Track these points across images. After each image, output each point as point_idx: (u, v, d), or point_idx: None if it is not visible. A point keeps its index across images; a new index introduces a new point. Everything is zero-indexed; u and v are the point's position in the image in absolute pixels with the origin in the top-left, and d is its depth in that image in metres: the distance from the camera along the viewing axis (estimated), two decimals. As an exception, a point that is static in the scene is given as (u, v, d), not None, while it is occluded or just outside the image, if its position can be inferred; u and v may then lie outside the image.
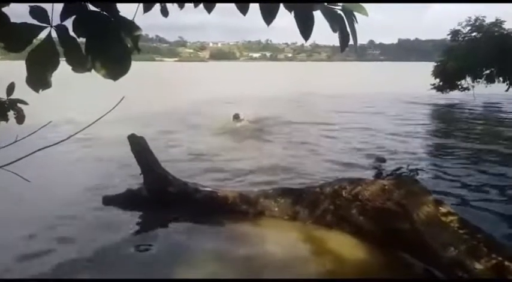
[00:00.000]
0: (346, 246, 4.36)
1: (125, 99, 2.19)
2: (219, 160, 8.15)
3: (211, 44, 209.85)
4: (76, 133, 1.94)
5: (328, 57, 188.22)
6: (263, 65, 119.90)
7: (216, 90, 25.07)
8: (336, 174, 6.63)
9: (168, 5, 2.25)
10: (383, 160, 7.65)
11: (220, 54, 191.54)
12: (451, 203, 4.88)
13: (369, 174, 5.66)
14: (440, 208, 4.01)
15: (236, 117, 12.89)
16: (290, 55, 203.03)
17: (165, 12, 2.29)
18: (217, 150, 9.01)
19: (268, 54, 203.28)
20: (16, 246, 4.41)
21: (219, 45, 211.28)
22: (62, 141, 1.89)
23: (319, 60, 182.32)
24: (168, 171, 5.58)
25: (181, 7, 2.11)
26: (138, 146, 5.39)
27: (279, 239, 4.59)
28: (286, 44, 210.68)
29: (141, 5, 2.12)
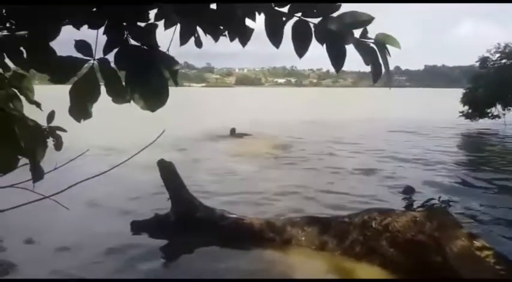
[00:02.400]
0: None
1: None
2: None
3: (237, 70, 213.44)
4: (122, 162, 1.98)
5: (353, 83, 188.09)
6: (287, 91, 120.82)
7: (236, 115, 25.40)
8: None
9: (202, 36, 2.30)
10: (412, 190, 7.44)
11: (246, 80, 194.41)
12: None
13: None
14: (475, 242, 3.87)
15: (233, 132, 15.38)
16: (315, 81, 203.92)
17: (199, 44, 2.35)
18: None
19: (293, 80, 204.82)
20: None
21: (245, 71, 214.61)
22: (108, 170, 1.94)
23: (344, 86, 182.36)
24: (195, 197, 5.62)
25: (216, 40, 2.16)
26: (167, 172, 5.46)
27: (307, 270, 4.50)
28: (312, 70, 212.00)
29: (178, 36, 2.20)
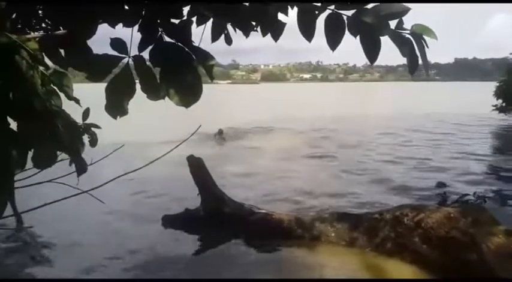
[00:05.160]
0: (407, 276, 4.15)
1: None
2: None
3: (262, 66, 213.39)
4: (159, 158, 2.01)
5: (381, 77, 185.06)
6: (312, 86, 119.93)
7: (257, 112, 25.37)
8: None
9: (231, 32, 2.31)
10: (444, 185, 7.24)
11: (272, 76, 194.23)
12: None
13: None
14: (513, 239, 3.75)
15: (220, 132, 14.18)
16: (341, 76, 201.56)
17: (229, 41, 2.36)
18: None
19: (319, 75, 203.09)
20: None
21: (270, 67, 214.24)
22: (144, 166, 1.97)
23: (371, 80, 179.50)
24: (224, 192, 5.66)
25: (247, 35, 2.15)
26: (196, 167, 5.52)
27: (337, 267, 4.45)
28: (338, 64, 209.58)
29: (209, 33, 2.21)
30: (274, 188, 7.77)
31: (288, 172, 9.18)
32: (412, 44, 1.81)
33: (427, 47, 1.84)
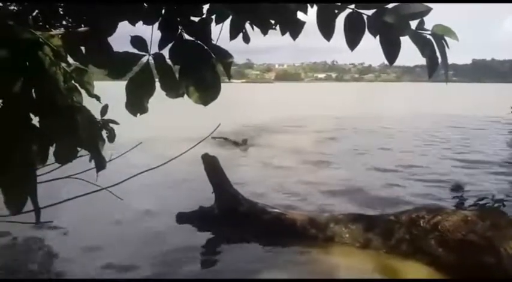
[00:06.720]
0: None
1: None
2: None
3: (277, 66, 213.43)
4: (179, 156, 2.02)
5: (397, 78, 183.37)
6: (327, 86, 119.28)
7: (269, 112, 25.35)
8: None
9: (249, 31, 2.30)
10: (460, 188, 7.11)
11: (286, 76, 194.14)
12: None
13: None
14: (532, 244, 3.68)
15: (244, 142, 12.85)
16: (357, 76, 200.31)
17: (246, 39, 2.36)
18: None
19: (333, 75, 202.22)
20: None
21: (285, 66, 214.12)
22: (165, 163, 1.99)
23: (387, 80, 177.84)
24: (238, 191, 5.67)
25: (265, 33, 2.15)
26: (211, 166, 5.55)
27: (351, 269, 4.42)
28: (353, 64, 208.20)
29: (228, 32, 2.21)
30: (290, 188, 7.77)
31: (302, 172, 9.16)
32: (432, 45, 1.78)
33: (448, 48, 1.81)
